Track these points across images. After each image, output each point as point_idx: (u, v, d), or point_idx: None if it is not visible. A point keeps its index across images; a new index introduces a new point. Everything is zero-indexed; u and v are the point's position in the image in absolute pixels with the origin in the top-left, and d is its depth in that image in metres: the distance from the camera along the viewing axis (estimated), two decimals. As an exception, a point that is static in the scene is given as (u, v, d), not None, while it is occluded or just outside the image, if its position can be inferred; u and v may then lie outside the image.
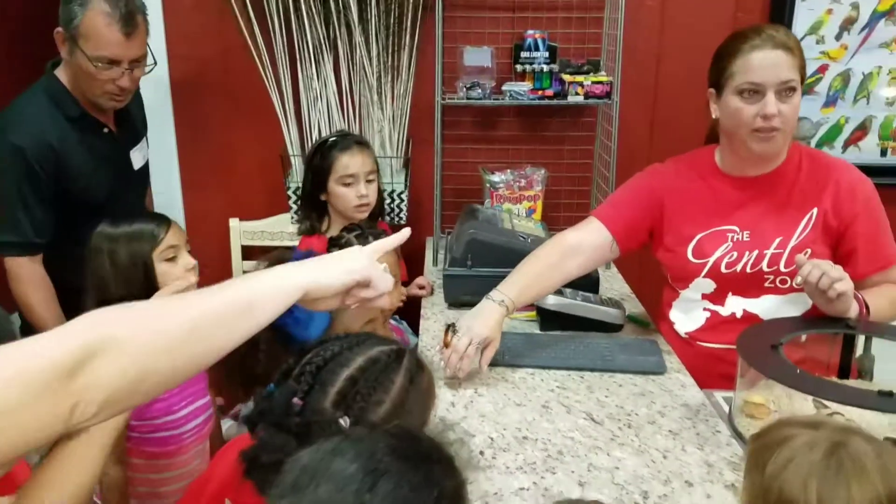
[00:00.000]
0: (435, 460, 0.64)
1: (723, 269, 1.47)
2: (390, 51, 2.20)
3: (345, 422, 0.78)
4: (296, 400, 0.82)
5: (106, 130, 1.76)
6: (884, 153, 2.34)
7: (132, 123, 1.86)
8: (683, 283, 1.53)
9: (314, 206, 1.92)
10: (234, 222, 2.36)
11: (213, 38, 2.24)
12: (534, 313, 1.71)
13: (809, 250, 1.42)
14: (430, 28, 2.08)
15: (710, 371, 1.46)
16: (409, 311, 1.96)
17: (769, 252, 1.45)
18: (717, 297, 1.50)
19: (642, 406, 1.35)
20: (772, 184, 1.48)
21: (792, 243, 1.45)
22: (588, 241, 1.53)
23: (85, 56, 1.60)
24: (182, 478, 1.44)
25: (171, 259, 1.47)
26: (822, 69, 2.27)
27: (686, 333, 1.55)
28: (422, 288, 1.95)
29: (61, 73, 1.70)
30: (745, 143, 1.43)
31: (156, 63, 1.72)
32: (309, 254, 1.27)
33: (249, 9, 2.16)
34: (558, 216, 2.29)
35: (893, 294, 1.46)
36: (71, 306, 1.66)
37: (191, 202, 2.40)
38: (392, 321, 1.86)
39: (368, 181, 1.89)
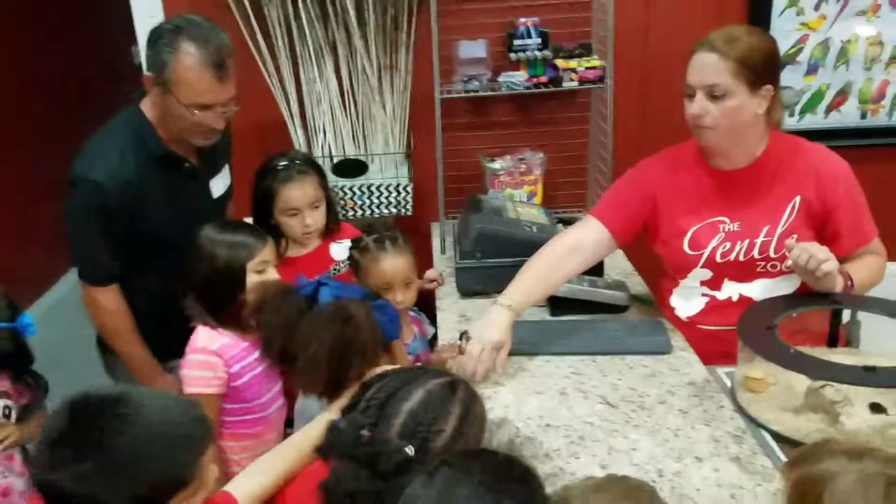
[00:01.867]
0: (528, 475, 0.77)
1: (718, 259, 1.59)
2: (388, 49, 2.27)
3: (410, 451, 0.90)
4: (364, 432, 0.94)
5: (187, 164, 1.76)
6: (864, 116, 2.44)
7: (215, 152, 1.84)
8: (682, 273, 1.65)
9: (268, 230, 1.85)
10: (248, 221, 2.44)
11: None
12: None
13: (796, 235, 1.53)
14: (425, 24, 2.14)
15: (711, 350, 1.58)
16: (426, 301, 2.07)
17: (759, 240, 1.56)
18: (713, 283, 1.62)
19: (653, 387, 1.49)
20: (753, 176, 1.57)
21: (779, 231, 1.55)
22: (586, 239, 1.63)
23: (178, 102, 1.60)
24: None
25: (261, 272, 1.63)
26: (803, 39, 2.35)
27: (687, 317, 1.67)
28: (432, 281, 2.05)
29: (146, 108, 1.69)
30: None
31: (240, 105, 1.71)
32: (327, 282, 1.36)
33: (250, 14, 2.21)
34: (558, 196, 2.39)
35: (873, 265, 1.59)
36: (147, 332, 1.77)
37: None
38: (411, 313, 1.97)
39: (315, 208, 1.90)
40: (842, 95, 2.42)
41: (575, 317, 1.78)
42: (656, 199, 1.65)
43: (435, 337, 1.90)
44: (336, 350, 1.22)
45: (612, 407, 1.43)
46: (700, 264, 1.61)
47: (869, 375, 1.23)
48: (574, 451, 1.31)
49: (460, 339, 1.54)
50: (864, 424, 1.29)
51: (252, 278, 1.60)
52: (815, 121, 2.43)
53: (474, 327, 1.54)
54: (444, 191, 2.31)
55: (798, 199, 1.56)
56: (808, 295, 1.52)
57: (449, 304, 1.94)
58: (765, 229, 1.57)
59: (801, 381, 1.37)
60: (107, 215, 1.65)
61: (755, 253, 1.57)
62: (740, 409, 1.39)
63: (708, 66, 1.47)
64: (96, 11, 3.20)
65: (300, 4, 2.16)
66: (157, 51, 1.59)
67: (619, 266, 2.07)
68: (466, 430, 0.97)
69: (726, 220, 1.59)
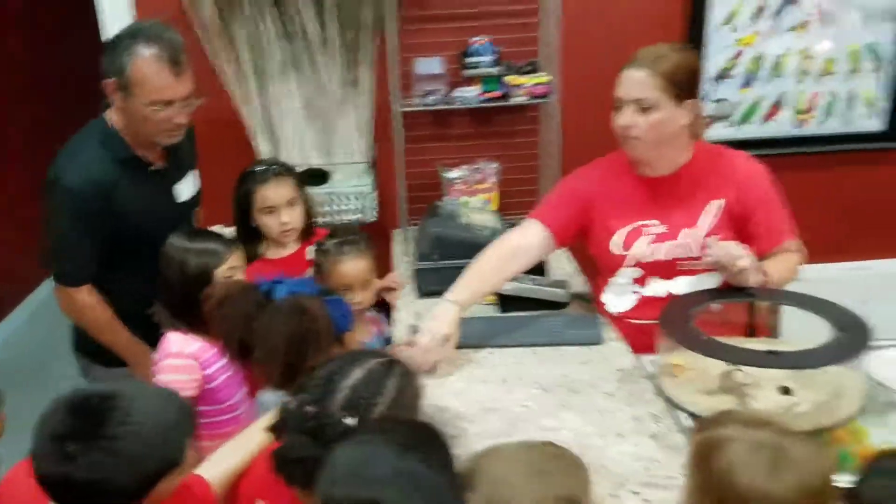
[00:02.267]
0: (440, 439, 0.91)
1: (644, 259, 1.73)
2: (350, 66, 2.41)
3: (351, 421, 1.03)
4: (310, 408, 1.06)
5: (153, 168, 1.86)
6: (798, 125, 2.61)
7: (180, 157, 1.94)
8: (612, 271, 1.79)
9: (248, 233, 2.04)
10: (217, 229, 2.56)
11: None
12: (494, 298, 1.97)
13: (718, 236, 1.66)
14: (386, 42, 2.28)
15: (640, 342, 1.71)
16: (386, 303, 2.20)
17: (681, 242, 1.71)
18: (641, 281, 1.76)
19: (584, 373, 1.63)
20: (677, 182, 1.72)
21: (701, 232, 1.70)
22: (528, 240, 1.76)
23: (140, 102, 1.70)
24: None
25: (229, 278, 1.73)
26: (738, 54, 2.52)
27: (617, 313, 1.81)
28: (392, 290, 2.15)
29: (110, 116, 1.80)
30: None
31: (202, 97, 1.82)
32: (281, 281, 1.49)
33: (216, 32, 2.33)
34: (512, 203, 2.54)
35: (789, 261, 1.73)
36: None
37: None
38: (371, 313, 2.10)
39: (291, 207, 2.02)
40: (776, 106, 2.59)
41: (521, 313, 1.92)
42: (592, 203, 1.78)
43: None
44: (292, 342, 1.34)
45: (546, 391, 1.57)
46: (628, 263, 1.75)
47: (771, 358, 1.38)
48: (509, 431, 1.44)
49: (409, 332, 1.66)
50: (772, 405, 1.43)
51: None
52: (753, 130, 2.60)
53: (423, 321, 1.67)
54: (407, 199, 2.45)
55: (719, 202, 1.69)
56: (728, 289, 1.66)
57: (406, 303, 2.07)
58: (688, 231, 1.70)
59: (716, 367, 1.51)
60: (81, 218, 1.74)
61: (677, 253, 1.71)
62: (661, 393, 1.53)
63: (637, 82, 1.60)
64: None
65: (263, 25, 2.29)
66: (115, 56, 1.68)
67: (564, 267, 2.22)
68: (402, 403, 1.10)
69: (654, 222, 1.72)
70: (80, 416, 1.00)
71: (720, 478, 0.91)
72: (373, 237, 2.54)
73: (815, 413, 1.39)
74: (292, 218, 2.03)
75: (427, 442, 0.91)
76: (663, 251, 1.72)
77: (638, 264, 1.75)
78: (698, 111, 1.71)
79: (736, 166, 1.73)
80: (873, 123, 2.62)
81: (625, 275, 1.77)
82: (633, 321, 1.77)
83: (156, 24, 1.73)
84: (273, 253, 2.08)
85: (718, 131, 2.58)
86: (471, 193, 2.48)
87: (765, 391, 1.46)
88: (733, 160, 1.74)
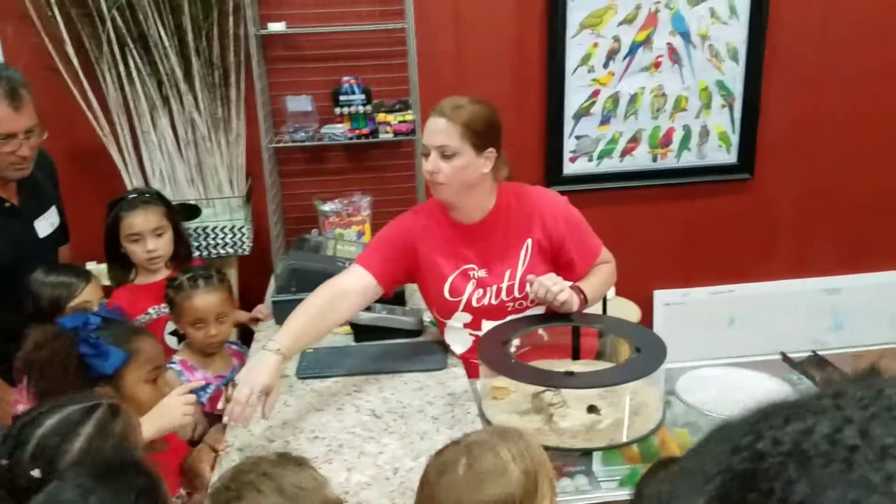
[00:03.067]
0: (125, 468, 0.95)
1: (474, 304, 1.79)
2: (220, 103, 2.47)
3: (36, 473, 1.05)
4: (3, 461, 1.08)
5: (7, 205, 1.91)
6: (654, 159, 2.79)
7: (38, 193, 2.00)
8: (446, 316, 1.83)
9: (117, 260, 2.09)
10: (91, 265, 2.56)
11: (53, 102, 2.43)
12: (348, 328, 2.03)
13: (533, 275, 1.73)
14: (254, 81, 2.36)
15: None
16: (250, 335, 2.24)
17: (505, 284, 1.77)
18: (474, 324, 1.81)
19: (416, 398, 1.70)
20: (488, 228, 1.77)
21: (518, 273, 1.77)
22: (353, 284, 1.72)
23: None
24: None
25: (85, 310, 1.70)
26: (595, 94, 2.68)
27: (459, 354, 1.86)
28: (258, 321, 2.21)
29: None
30: None
31: (47, 130, 1.89)
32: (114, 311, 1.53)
33: (79, 71, 2.38)
34: (387, 235, 2.62)
35: (604, 273, 1.85)
36: None
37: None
38: (233, 346, 2.14)
39: (158, 235, 2.05)
40: (634, 142, 2.75)
41: (373, 343, 1.98)
42: (416, 249, 1.79)
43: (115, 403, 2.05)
44: (31, 369, 1.40)
45: (377, 417, 1.63)
46: (460, 309, 1.80)
47: (566, 378, 1.47)
48: (330, 457, 1.49)
49: (226, 387, 1.58)
50: (577, 423, 1.53)
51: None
52: (612, 164, 2.76)
53: (241, 373, 1.58)
54: (284, 231, 2.50)
55: (529, 241, 1.77)
56: (550, 315, 1.76)
57: (268, 336, 2.10)
58: (507, 273, 1.77)
59: (534, 389, 1.61)
60: None
61: (503, 296, 1.78)
62: (482, 414, 1.61)
63: (438, 130, 1.65)
64: None
65: (130, 63, 2.34)
66: None
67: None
68: (98, 446, 1.11)
69: (474, 267, 1.78)
70: None
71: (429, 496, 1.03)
72: (253, 271, 2.60)
73: (613, 429, 1.50)
74: (158, 246, 2.06)
75: (116, 478, 0.94)
76: (491, 296, 1.79)
77: (469, 309, 1.80)
78: (500, 160, 1.74)
79: (537, 203, 1.79)
80: (726, 156, 2.81)
81: (458, 319, 1.82)
82: (474, 361, 1.81)
83: None
84: (142, 279, 2.12)
85: (582, 165, 2.73)
86: (344, 226, 2.55)
87: (574, 410, 1.56)
88: (535, 197, 1.81)
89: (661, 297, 2.92)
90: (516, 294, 1.78)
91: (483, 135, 1.67)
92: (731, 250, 2.93)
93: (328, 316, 1.68)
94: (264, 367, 1.53)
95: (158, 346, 1.53)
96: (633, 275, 2.72)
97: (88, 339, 1.38)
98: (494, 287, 1.79)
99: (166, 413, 1.43)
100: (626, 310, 2.69)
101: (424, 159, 1.71)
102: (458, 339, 1.86)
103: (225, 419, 1.52)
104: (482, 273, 1.79)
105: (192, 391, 1.58)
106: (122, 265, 2.10)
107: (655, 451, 1.55)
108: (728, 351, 2.85)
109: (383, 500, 1.36)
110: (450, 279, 1.80)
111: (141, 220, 2.04)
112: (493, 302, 1.79)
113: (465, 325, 1.83)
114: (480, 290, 1.79)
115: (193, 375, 1.91)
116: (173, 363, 1.89)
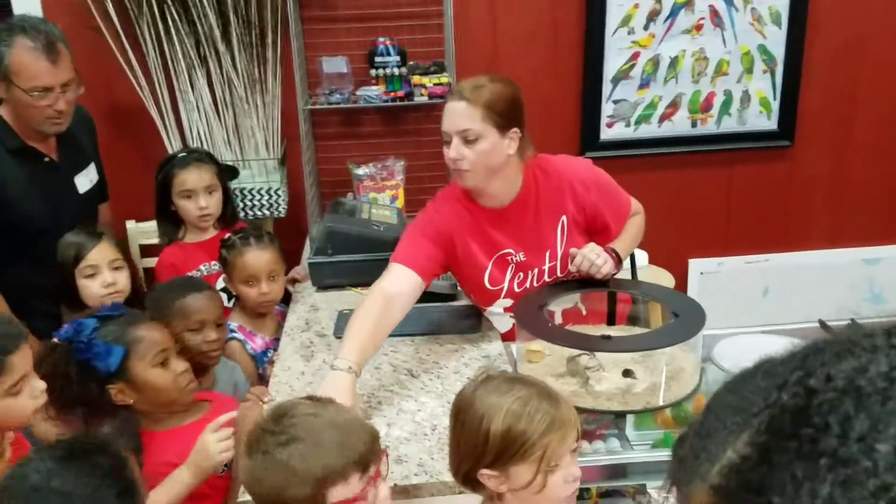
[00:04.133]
0: (89, 450, 0.96)
1: (516, 289, 1.76)
2: (256, 63, 2.47)
3: None
4: None
5: (47, 160, 1.95)
6: (694, 125, 2.74)
7: (77, 149, 2.04)
8: (487, 304, 1.82)
9: (167, 217, 2.12)
10: (130, 224, 2.61)
11: (93, 61, 2.45)
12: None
13: (575, 248, 1.70)
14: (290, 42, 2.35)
15: None
16: (287, 296, 2.27)
17: (546, 266, 1.75)
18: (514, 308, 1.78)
19: (452, 360, 1.72)
20: (520, 210, 1.73)
21: (559, 252, 1.75)
22: (401, 287, 1.65)
23: (20, 89, 1.80)
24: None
25: (91, 276, 1.78)
26: (635, 56, 2.63)
27: (501, 333, 1.84)
28: (295, 281, 2.23)
29: (1, 110, 1.89)
30: None
31: (85, 85, 1.92)
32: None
33: (120, 31, 2.39)
34: (421, 199, 2.61)
35: (632, 228, 1.82)
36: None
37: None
38: (278, 307, 2.17)
39: (210, 193, 2.09)
40: (673, 107, 2.71)
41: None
42: (452, 239, 1.73)
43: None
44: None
45: (414, 377, 1.66)
46: (502, 296, 1.78)
47: (602, 342, 1.48)
48: (369, 413, 1.53)
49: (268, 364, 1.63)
50: (613, 386, 1.54)
51: (82, 283, 1.79)
52: (650, 130, 2.71)
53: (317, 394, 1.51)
54: (319, 195, 2.51)
55: (564, 218, 1.74)
56: (587, 280, 1.74)
57: (304, 296, 2.15)
58: (547, 254, 1.75)
59: (569, 352, 1.61)
60: None
61: (546, 278, 1.75)
62: (518, 377, 1.63)
63: (459, 113, 1.58)
64: None
65: (169, 21, 2.35)
66: None
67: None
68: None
69: (511, 251, 1.74)
70: None
71: (474, 427, 1.08)
72: (288, 234, 2.62)
73: (648, 393, 1.50)
74: (210, 203, 2.10)
75: (81, 460, 0.95)
76: (532, 279, 1.77)
77: (510, 294, 1.77)
78: (525, 140, 1.68)
79: (561, 174, 1.74)
80: (766, 122, 2.76)
81: (499, 305, 1.80)
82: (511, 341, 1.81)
83: (34, 18, 1.82)
84: (192, 237, 2.16)
85: (619, 130, 2.70)
86: (378, 190, 2.55)
87: (610, 374, 1.57)
88: (558, 169, 1.76)
89: (695, 265, 2.89)
90: (558, 274, 1.76)
91: (506, 114, 1.60)
92: (768, 219, 2.89)
93: (384, 323, 1.61)
94: (342, 388, 1.43)
95: (161, 329, 1.50)
96: (668, 243, 2.72)
97: (81, 344, 1.37)
98: (536, 270, 1.76)
99: (205, 456, 1.35)
100: (659, 278, 2.68)
101: (445, 147, 1.63)
102: (499, 322, 1.85)
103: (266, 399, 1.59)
104: (520, 257, 1.76)
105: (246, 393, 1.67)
106: (172, 222, 2.15)
107: (689, 417, 1.55)
108: (763, 320, 2.84)
109: (423, 454, 1.39)
110: (488, 268, 1.76)
111: (195, 177, 2.07)
112: (536, 285, 1.77)
113: (506, 310, 1.81)
114: (521, 274, 1.77)
115: (254, 342, 1.95)
116: (232, 331, 1.91)
